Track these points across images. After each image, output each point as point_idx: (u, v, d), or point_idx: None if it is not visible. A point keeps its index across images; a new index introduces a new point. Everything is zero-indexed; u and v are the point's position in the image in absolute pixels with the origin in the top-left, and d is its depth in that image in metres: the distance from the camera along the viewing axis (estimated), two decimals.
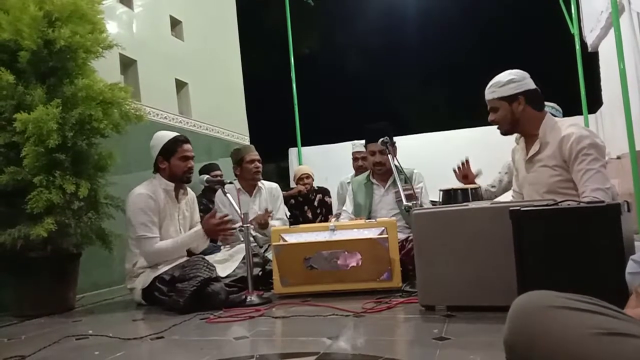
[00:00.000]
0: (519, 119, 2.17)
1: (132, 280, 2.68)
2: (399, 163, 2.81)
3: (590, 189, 1.97)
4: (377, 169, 3.02)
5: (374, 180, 3.06)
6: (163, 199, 2.71)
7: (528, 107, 2.16)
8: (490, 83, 2.22)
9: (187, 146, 2.78)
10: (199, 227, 2.71)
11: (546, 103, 2.54)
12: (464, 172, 2.84)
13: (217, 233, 2.73)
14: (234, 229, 2.72)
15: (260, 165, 3.44)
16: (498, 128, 2.26)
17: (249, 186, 3.44)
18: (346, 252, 2.45)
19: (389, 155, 2.84)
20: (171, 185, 2.75)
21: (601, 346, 0.71)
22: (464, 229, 1.89)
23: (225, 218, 2.69)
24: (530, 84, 2.18)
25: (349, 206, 3.16)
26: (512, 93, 2.15)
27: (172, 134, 2.81)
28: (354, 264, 2.44)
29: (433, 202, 3.21)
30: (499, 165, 3.15)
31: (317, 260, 2.47)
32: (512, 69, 2.23)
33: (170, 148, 2.73)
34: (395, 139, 2.98)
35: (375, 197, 3.02)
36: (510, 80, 2.16)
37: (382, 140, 2.88)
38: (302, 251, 2.48)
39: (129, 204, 2.65)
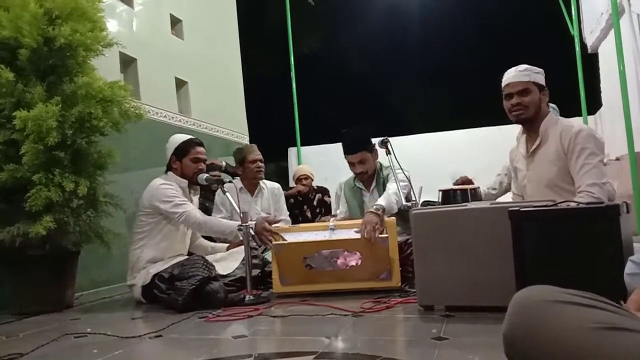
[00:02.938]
0: (540, 108, 2.20)
1: (134, 276, 2.69)
2: (392, 162, 2.79)
3: (587, 184, 1.99)
4: (359, 178, 3.03)
5: (359, 185, 3.07)
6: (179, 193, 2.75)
7: (545, 102, 2.22)
8: (522, 67, 2.21)
9: (200, 149, 2.85)
10: (236, 222, 2.61)
11: None
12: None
13: (261, 233, 2.63)
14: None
15: (262, 165, 3.44)
16: (519, 112, 2.20)
17: (251, 186, 3.44)
18: (346, 252, 2.45)
19: (388, 156, 2.83)
20: (184, 182, 2.81)
21: (601, 340, 0.72)
22: (463, 230, 1.89)
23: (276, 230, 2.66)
24: None
25: (342, 210, 3.17)
26: (543, 84, 2.21)
27: (187, 136, 2.90)
28: (354, 263, 2.45)
29: (430, 202, 3.21)
30: (499, 165, 3.15)
31: (317, 260, 2.47)
32: (520, 65, 2.23)
33: (184, 148, 2.81)
34: (389, 139, 2.94)
35: (365, 200, 3.03)
36: (541, 72, 2.21)
37: (383, 141, 2.88)
38: (301, 250, 2.48)
39: (152, 191, 2.69)
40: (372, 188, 3.02)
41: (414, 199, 2.73)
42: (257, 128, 6.41)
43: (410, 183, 2.87)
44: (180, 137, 2.88)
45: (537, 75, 2.20)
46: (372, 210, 2.54)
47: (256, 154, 3.44)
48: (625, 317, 0.76)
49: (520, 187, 2.33)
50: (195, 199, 2.95)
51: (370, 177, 3.01)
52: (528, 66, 2.21)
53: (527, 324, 0.79)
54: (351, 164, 2.99)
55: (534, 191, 2.18)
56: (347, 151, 2.97)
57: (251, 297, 2.39)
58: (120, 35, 3.27)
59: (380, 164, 3.04)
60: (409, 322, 1.91)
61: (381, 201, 2.62)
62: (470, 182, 2.71)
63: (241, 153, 3.48)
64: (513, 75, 2.21)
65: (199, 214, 2.71)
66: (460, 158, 5.85)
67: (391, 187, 2.80)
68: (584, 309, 0.77)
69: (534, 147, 2.19)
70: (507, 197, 2.82)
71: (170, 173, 2.82)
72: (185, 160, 2.80)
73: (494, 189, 2.99)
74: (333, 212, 4.17)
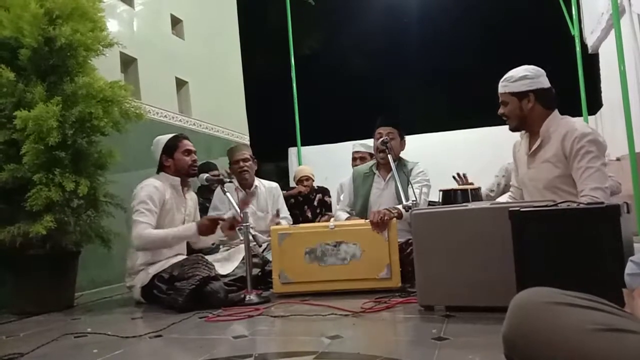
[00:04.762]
0: (526, 116, 2.16)
1: (132, 277, 2.68)
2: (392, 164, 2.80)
3: (590, 188, 1.97)
4: (379, 156, 2.95)
5: (376, 172, 3.04)
6: (170, 192, 2.73)
7: (537, 105, 2.14)
8: (505, 76, 2.20)
9: (187, 141, 2.83)
10: (192, 224, 2.68)
11: None
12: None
13: (211, 230, 2.64)
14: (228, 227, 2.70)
15: (245, 165, 3.37)
16: (508, 124, 2.24)
17: (244, 185, 3.44)
18: (346, 244, 2.46)
19: (389, 156, 2.84)
20: (177, 180, 2.79)
21: (600, 342, 0.72)
22: (464, 230, 1.89)
23: (220, 217, 2.69)
24: (544, 83, 2.15)
25: (346, 198, 3.12)
26: (523, 90, 2.14)
27: (171, 134, 2.87)
28: (354, 255, 2.46)
29: (431, 202, 3.21)
30: (499, 165, 3.15)
31: (318, 253, 2.48)
32: (512, 69, 2.21)
33: (172, 145, 2.78)
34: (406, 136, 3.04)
35: (374, 190, 2.99)
36: (523, 77, 2.14)
37: (382, 141, 2.88)
38: (303, 241, 2.51)
39: (135, 192, 2.66)
40: (388, 177, 2.97)
41: (414, 199, 2.73)
42: (257, 128, 6.41)
43: (408, 179, 2.88)
44: (165, 137, 2.84)
45: (513, 84, 2.15)
46: (389, 208, 2.65)
47: (240, 154, 3.40)
48: (624, 318, 0.76)
49: (521, 182, 2.33)
50: (189, 195, 2.90)
51: (387, 165, 2.93)
52: (509, 74, 2.18)
53: (527, 325, 0.79)
54: (378, 134, 2.94)
55: (534, 190, 2.18)
56: (382, 123, 2.98)
57: (251, 297, 2.39)
58: (120, 35, 3.27)
59: (401, 158, 3.02)
60: (409, 322, 1.91)
61: (401, 207, 2.67)
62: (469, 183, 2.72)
63: (229, 154, 3.49)
64: (499, 85, 2.22)
65: (146, 231, 2.54)
66: (460, 158, 5.85)
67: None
68: (583, 310, 0.77)
69: (534, 147, 2.18)
70: (506, 197, 2.83)
71: (162, 173, 2.79)
72: (177, 154, 2.77)
73: (491, 190, 3.00)
74: (333, 212, 4.18)
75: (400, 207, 2.68)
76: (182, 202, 2.83)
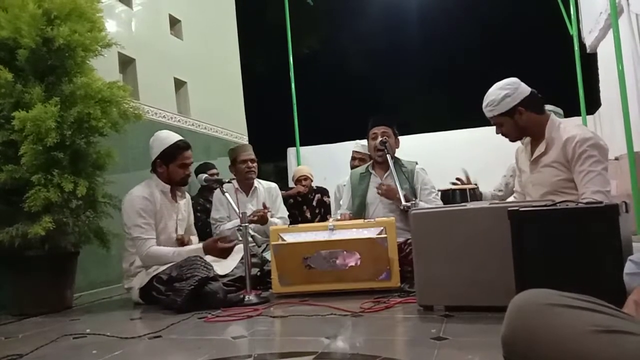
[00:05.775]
0: (524, 127, 2.18)
1: (130, 279, 2.68)
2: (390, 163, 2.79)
3: (591, 191, 1.97)
4: (377, 155, 2.97)
5: (372, 171, 3.04)
6: (160, 199, 2.71)
7: (530, 113, 2.16)
8: (486, 102, 2.20)
9: (188, 153, 2.76)
10: (199, 245, 2.68)
11: (547, 106, 2.53)
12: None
13: (219, 256, 2.69)
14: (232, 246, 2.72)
15: (252, 165, 3.39)
16: (506, 137, 2.27)
17: (245, 186, 3.44)
18: (345, 252, 2.45)
19: (387, 155, 2.84)
20: (167, 186, 2.75)
21: (600, 343, 0.72)
22: (463, 230, 1.89)
23: (231, 244, 2.67)
24: (524, 91, 2.16)
25: (345, 202, 3.13)
26: (511, 107, 2.15)
27: (174, 137, 2.76)
28: (353, 263, 2.45)
29: None
30: (499, 165, 3.15)
31: (316, 260, 2.47)
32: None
33: (171, 154, 2.71)
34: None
35: (371, 189, 2.97)
36: (504, 96, 2.14)
37: (381, 141, 2.88)
38: (301, 251, 2.48)
39: (124, 206, 2.66)
40: (385, 176, 2.97)
41: (414, 200, 2.73)
42: (256, 128, 6.41)
43: (411, 180, 2.88)
44: (167, 138, 2.75)
45: (498, 107, 2.15)
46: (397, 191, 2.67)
47: (247, 154, 3.41)
48: (623, 320, 0.76)
49: (523, 187, 2.34)
50: (182, 200, 2.88)
51: (385, 164, 2.93)
52: (489, 99, 2.18)
53: (526, 327, 0.79)
54: (374, 135, 2.97)
55: (537, 195, 2.19)
56: (375, 123, 3.00)
57: (250, 298, 2.39)
58: (119, 36, 3.27)
59: (397, 158, 3.01)
60: (408, 322, 1.91)
61: (402, 196, 2.67)
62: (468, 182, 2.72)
63: (233, 153, 3.48)
64: (484, 111, 2.23)
65: (152, 249, 2.60)
66: (460, 158, 5.84)
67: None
68: (582, 312, 0.77)
69: (538, 153, 2.18)
70: (510, 197, 2.83)
71: (154, 176, 2.75)
72: (172, 166, 2.71)
73: (500, 190, 2.99)
74: (333, 213, 4.18)
75: (401, 196, 2.67)
76: (174, 208, 2.80)
